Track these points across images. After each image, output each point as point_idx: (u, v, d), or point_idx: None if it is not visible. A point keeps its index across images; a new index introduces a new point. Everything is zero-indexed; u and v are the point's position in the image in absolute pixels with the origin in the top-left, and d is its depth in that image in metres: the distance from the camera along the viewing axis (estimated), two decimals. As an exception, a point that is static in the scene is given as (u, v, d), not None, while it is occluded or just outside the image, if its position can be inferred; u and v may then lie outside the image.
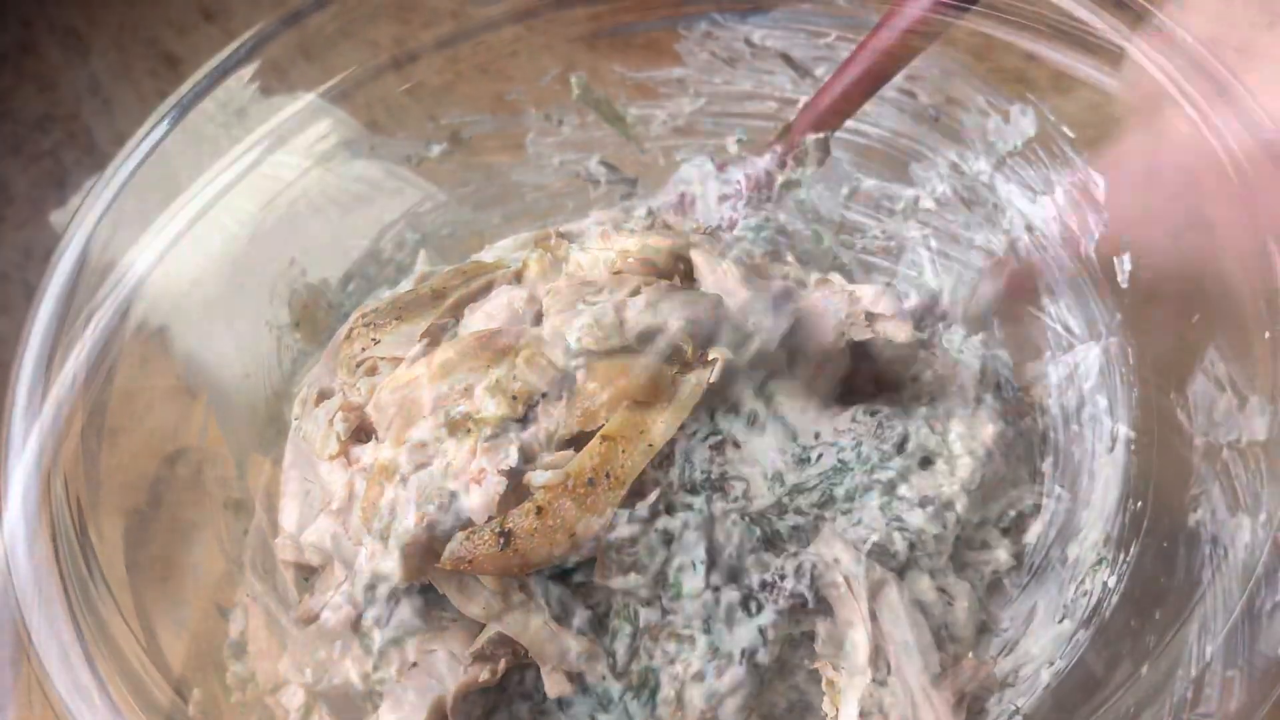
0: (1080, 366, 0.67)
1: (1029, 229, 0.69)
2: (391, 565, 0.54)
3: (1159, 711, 0.57)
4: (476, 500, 0.54)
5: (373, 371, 0.59)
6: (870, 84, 0.69)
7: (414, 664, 0.55)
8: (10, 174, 0.99)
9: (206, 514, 0.67)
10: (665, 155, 0.80)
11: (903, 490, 0.60)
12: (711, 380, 0.56)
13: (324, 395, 0.61)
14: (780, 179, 0.73)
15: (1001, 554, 0.64)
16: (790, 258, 0.74)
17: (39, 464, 0.59)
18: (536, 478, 0.54)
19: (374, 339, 0.60)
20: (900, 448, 0.61)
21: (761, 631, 0.56)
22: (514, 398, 0.55)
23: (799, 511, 0.59)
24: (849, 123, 0.72)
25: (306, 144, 0.72)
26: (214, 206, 0.67)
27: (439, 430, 0.56)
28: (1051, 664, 0.60)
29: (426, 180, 0.76)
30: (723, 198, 0.74)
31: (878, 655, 0.56)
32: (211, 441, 0.67)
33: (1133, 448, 0.63)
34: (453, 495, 0.54)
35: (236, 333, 0.67)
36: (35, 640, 0.54)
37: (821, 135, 0.71)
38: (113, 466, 0.64)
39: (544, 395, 0.56)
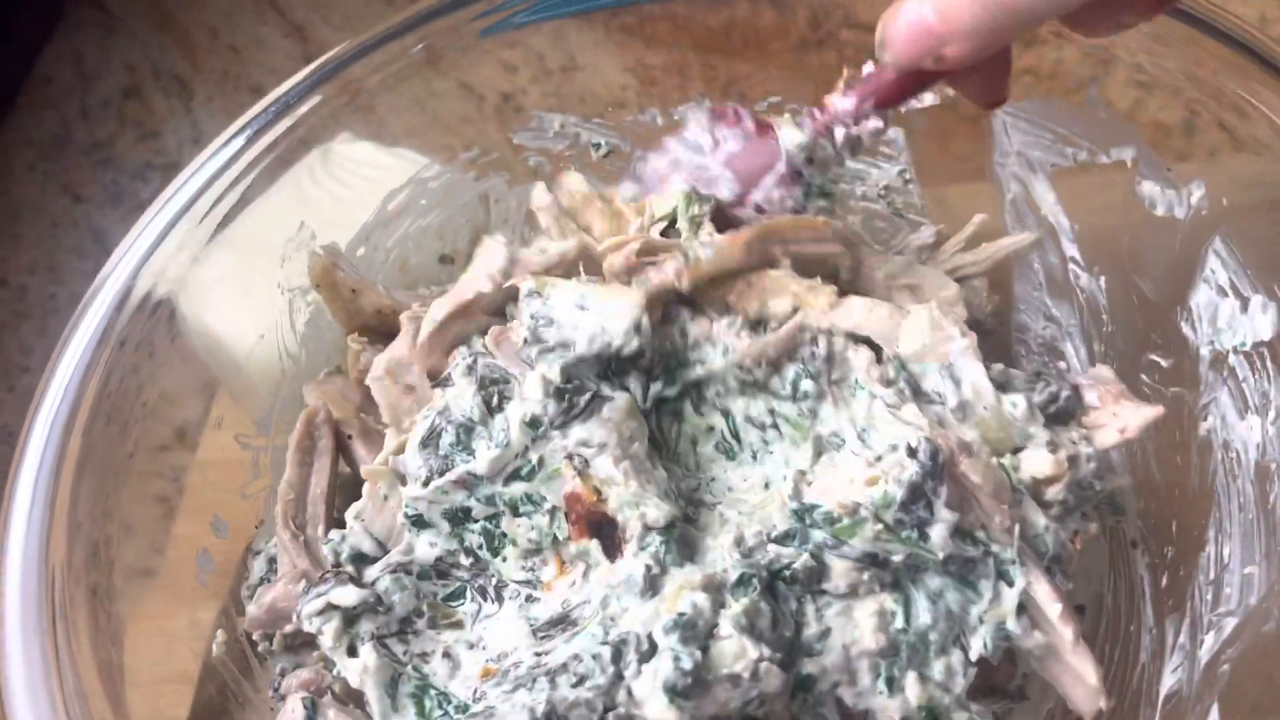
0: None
1: (1225, 446, 0.61)
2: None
3: (1180, 619, 0.58)
4: None
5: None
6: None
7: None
8: (108, 224, 0.99)
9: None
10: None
11: None
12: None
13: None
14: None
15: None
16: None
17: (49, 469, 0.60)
18: None
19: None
20: None
21: None
22: None
23: None
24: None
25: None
26: (210, 186, 0.68)
27: None
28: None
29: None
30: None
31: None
32: (225, 413, 0.68)
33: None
34: None
35: (248, 298, 0.68)
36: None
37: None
38: (124, 456, 0.65)
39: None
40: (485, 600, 0.59)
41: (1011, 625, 0.53)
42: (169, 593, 0.65)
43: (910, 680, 0.53)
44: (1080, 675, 0.54)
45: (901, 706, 0.53)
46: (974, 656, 0.54)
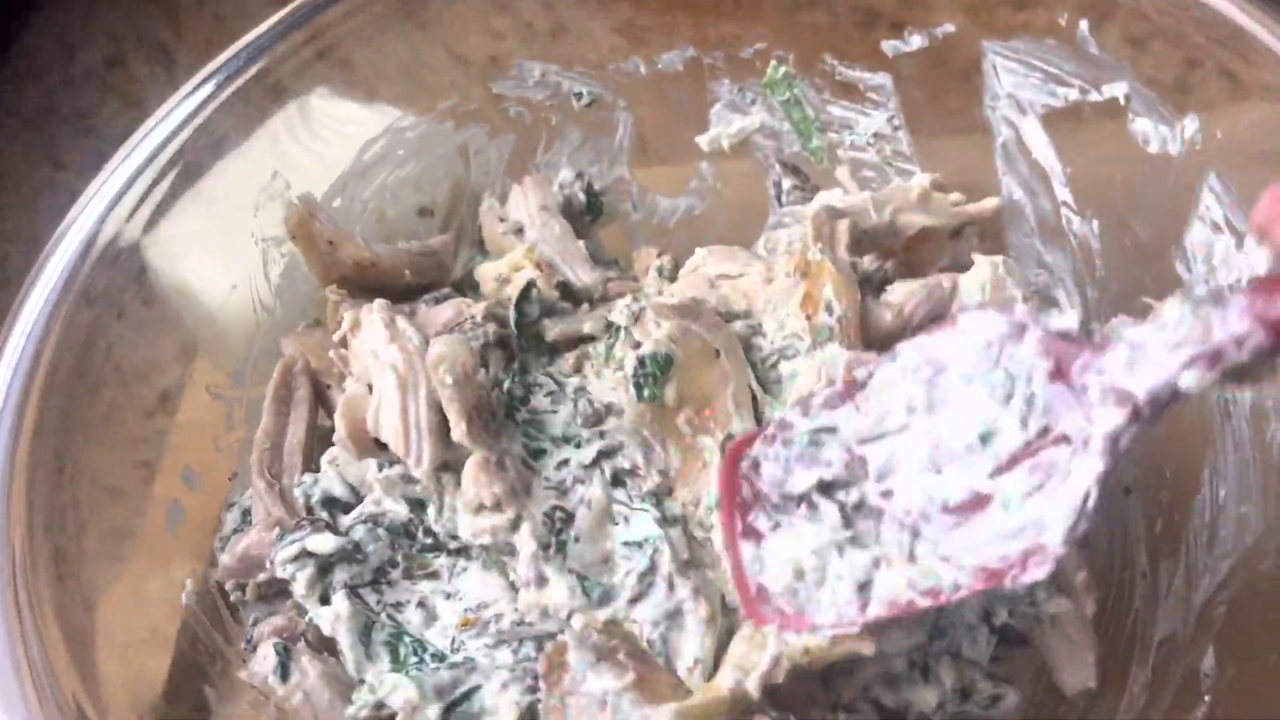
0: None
1: None
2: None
3: (1175, 564, 0.57)
4: None
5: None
6: None
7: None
8: (93, 193, 0.98)
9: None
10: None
11: None
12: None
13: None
14: None
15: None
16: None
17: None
18: None
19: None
20: None
21: None
22: None
23: None
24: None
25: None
26: (180, 132, 0.66)
27: None
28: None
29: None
30: None
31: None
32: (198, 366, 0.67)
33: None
34: None
35: (220, 249, 0.67)
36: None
37: None
38: (98, 417, 0.63)
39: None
40: (459, 557, 0.57)
41: (1040, 593, 0.52)
42: (143, 554, 0.63)
43: (945, 665, 0.52)
44: (1080, 651, 0.53)
45: (938, 693, 0.52)
46: (998, 624, 0.52)
